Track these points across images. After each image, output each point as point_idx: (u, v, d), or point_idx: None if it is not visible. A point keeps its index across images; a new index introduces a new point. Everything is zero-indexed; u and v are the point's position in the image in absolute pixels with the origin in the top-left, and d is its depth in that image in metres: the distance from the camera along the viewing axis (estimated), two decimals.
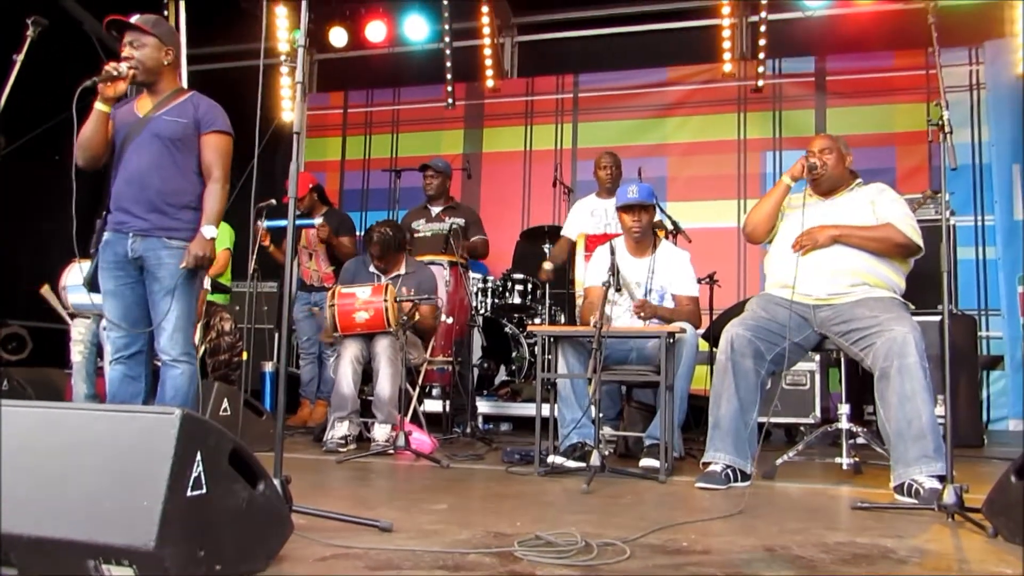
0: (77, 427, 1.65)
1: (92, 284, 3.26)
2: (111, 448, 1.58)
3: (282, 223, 4.83)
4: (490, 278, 5.92)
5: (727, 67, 7.01)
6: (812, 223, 3.39)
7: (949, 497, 2.47)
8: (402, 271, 4.80)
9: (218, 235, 3.30)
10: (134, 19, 3.18)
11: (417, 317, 4.39)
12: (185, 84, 4.06)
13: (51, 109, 4.49)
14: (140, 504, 1.48)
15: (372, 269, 4.84)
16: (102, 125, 3.12)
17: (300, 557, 1.88)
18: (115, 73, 3.03)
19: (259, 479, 1.78)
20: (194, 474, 1.56)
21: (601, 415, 3.52)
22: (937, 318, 4.25)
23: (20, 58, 2.93)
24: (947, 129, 2.64)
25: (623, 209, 4.12)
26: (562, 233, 5.49)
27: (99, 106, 3.10)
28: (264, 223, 4.91)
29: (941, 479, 2.77)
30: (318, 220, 5.56)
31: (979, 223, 6.33)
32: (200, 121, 3.20)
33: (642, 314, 3.90)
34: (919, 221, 3.38)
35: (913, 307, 3.34)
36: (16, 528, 1.54)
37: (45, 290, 5.17)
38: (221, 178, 3.22)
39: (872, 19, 6.75)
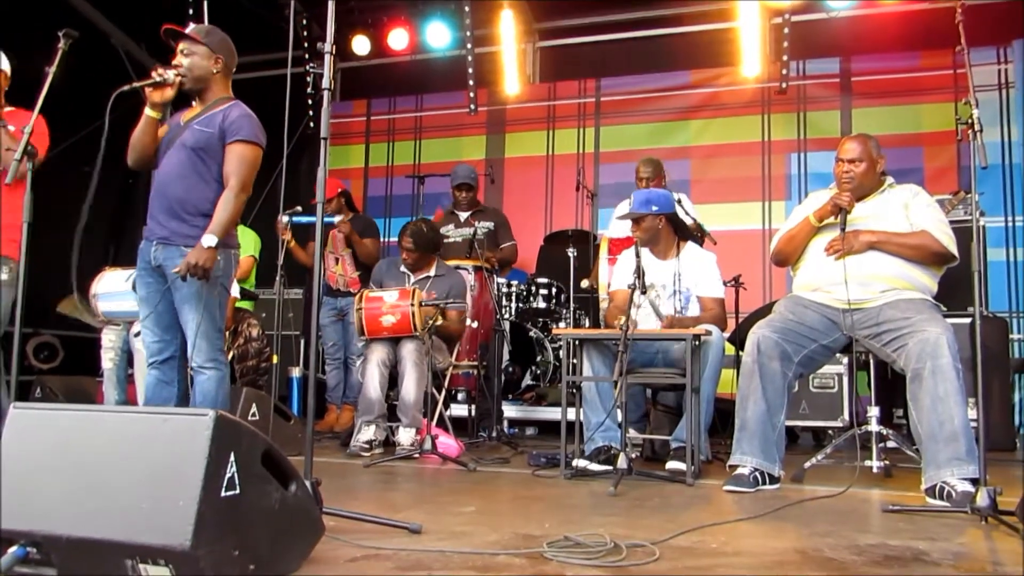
0: (113, 429, 1.68)
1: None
2: (147, 450, 1.61)
3: (304, 219, 4.90)
4: (514, 282, 5.93)
5: (750, 69, 6.96)
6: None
7: (982, 500, 2.44)
8: (432, 273, 4.83)
9: (243, 242, 3.31)
10: (189, 29, 3.24)
11: (440, 321, 4.40)
12: None
13: (80, 122, 4.56)
14: (176, 504, 1.51)
15: (403, 269, 4.86)
16: (150, 129, 3.18)
17: (332, 558, 1.90)
18: (159, 79, 3.08)
19: (291, 480, 1.80)
20: (228, 475, 1.58)
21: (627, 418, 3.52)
22: (968, 320, 4.20)
23: (52, 70, 2.97)
24: (977, 127, 2.61)
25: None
26: None
27: (148, 112, 3.16)
28: (286, 218, 4.91)
29: (973, 482, 2.74)
30: (339, 217, 5.59)
31: (1010, 224, 6.22)
32: (226, 131, 3.16)
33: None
34: (949, 222, 3.33)
35: (945, 309, 3.30)
36: (55, 529, 1.57)
37: (63, 306, 5.29)
38: (236, 187, 3.13)
39: (898, 19, 6.67)
